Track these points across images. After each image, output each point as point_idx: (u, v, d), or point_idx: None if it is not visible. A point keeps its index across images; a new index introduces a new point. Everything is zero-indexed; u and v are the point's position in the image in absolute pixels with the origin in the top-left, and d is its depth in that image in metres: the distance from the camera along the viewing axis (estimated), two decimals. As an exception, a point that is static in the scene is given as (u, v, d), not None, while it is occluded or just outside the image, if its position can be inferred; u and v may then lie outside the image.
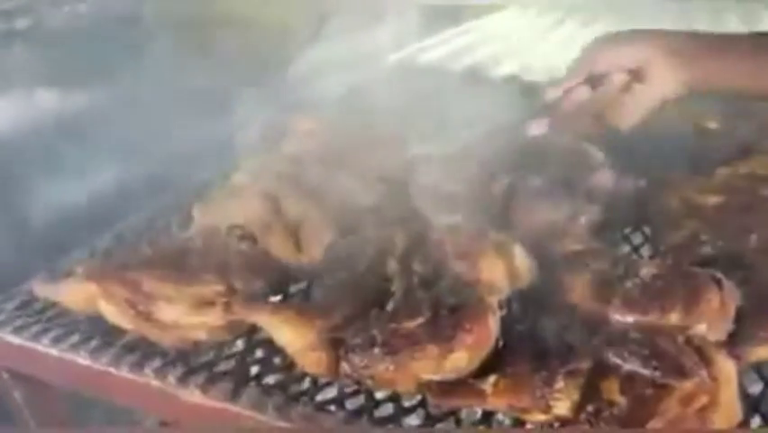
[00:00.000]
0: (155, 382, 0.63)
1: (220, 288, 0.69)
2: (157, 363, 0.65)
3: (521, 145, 0.96)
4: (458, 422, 0.59)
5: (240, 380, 0.63)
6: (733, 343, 0.60)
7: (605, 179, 0.87)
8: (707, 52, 0.73)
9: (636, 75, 0.76)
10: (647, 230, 0.85)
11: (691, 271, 0.65)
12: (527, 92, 1.08)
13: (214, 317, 0.68)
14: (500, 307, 0.65)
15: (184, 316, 0.67)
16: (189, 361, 0.66)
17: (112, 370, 0.65)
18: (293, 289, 0.78)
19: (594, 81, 0.78)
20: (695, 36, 0.76)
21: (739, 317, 0.62)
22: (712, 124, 1.03)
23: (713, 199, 0.81)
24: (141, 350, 0.67)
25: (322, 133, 1.03)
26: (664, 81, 0.74)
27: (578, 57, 0.77)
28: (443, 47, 1.32)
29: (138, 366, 0.65)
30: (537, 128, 0.73)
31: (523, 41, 1.29)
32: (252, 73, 1.23)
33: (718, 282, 0.62)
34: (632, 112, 0.78)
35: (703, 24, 1.20)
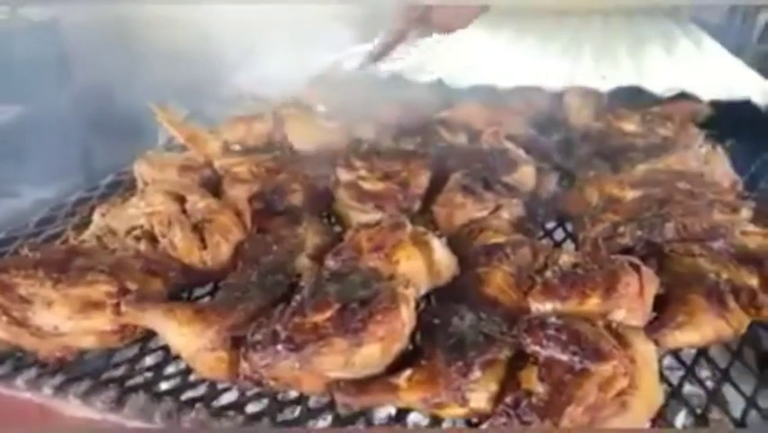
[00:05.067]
0: (27, 395, 0.55)
1: (110, 288, 0.62)
2: (32, 373, 0.57)
3: (443, 143, 0.95)
4: (369, 423, 0.54)
5: (126, 388, 0.56)
6: (652, 328, 0.59)
7: (528, 175, 0.86)
8: None
9: None
10: (569, 226, 0.85)
11: (609, 258, 0.63)
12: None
13: (103, 321, 0.61)
14: (419, 301, 0.61)
15: (67, 321, 0.60)
16: (71, 370, 0.58)
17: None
18: (198, 292, 0.72)
19: None
20: None
21: (657, 305, 0.61)
22: (630, 126, 1.04)
23: (632, 193, 0.81)
24: (12, 361, 0.59)
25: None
26: None
27: None
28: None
29: (6, 378, 0.57)
30: None
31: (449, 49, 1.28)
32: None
33: (637, 268, 0.61)
34: None
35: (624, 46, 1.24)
